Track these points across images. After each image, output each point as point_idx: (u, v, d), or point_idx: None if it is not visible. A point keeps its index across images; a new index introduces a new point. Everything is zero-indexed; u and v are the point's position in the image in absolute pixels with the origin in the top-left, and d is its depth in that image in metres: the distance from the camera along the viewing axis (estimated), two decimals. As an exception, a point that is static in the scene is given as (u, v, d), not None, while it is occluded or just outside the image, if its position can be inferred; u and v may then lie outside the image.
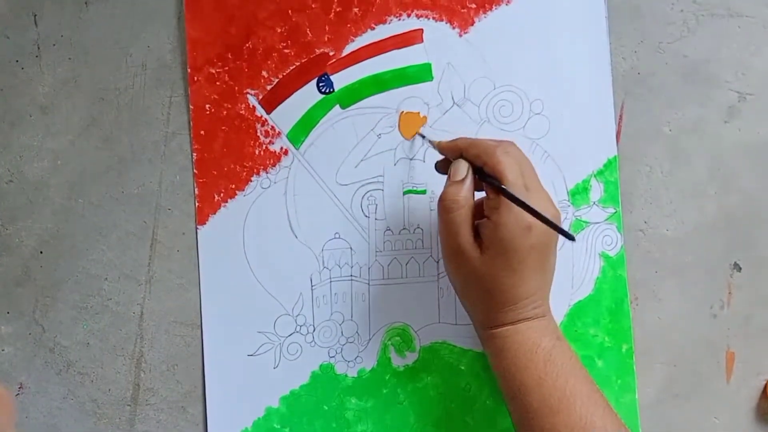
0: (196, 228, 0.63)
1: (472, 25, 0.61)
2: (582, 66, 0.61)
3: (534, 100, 0.61)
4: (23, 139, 0.64)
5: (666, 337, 0.61)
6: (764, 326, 0.61)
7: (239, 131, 0.62)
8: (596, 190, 0.61)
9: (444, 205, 0.54)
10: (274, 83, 0.62)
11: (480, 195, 0.55)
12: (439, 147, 0.57)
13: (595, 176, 0.61)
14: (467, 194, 0.54)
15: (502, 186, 0.51)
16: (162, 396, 0.63)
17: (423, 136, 0.61)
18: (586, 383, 0.52)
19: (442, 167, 0.58)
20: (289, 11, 0.62)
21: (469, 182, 0.54)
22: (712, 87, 0.61)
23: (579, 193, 0.61)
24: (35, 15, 0.64)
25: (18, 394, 0.64)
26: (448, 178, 0.55)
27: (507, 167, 0.52)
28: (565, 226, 0.61)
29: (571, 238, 0.49)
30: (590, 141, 0.61)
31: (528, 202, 0.50)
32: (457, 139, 0.56)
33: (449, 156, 0.56)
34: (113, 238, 0.64)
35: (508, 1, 0.61)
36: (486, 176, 0.53)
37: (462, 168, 0.54)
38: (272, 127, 0.62)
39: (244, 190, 0.62)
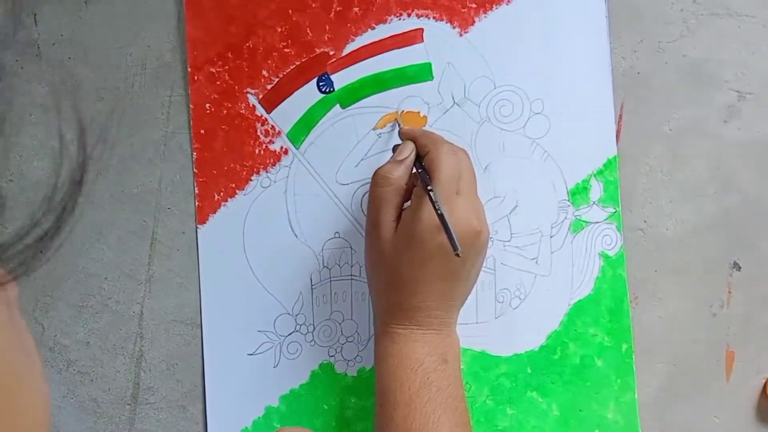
0: (196, 227, 0.63)
1: (473, 24, 0.61)
2: (582, 65, 0.61)
3: (534, 99, 0.61)
4: (23, 139, 0.64)
5: (666, 337, 0.61)
6: (764, 325, 0.61)
7: (239, 130, 0.62)
8: (596, 190, 0.61)
9: (375, 179, 0.54)
10: (275, 82, 0.62)
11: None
12: (400, 131, 0.59)
13: (594, 176, 0.61)
14: (401, 175, 0.54)
15: (427, 179, 0.52)
16: (162, 395, 0.63)
17: (399, 124, 0.61)
18: (454, 418, 0.51)
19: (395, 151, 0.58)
20: (290, 11, 0.62)
21: (406, 164, 0.54)
22: (711, 87, 0.61)
23: (579, 193, 0.61)
24: (35, 15, 0.64)
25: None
26: (391, 157, 0.56)
27: (444, 164, 0.52)
28: (565, 226, 0.61)
29: (455, 252, 0.48)
30: (590, 141, 0.61)
31: (447, 205, 0.50)
32: (416, 128, 0.58)
33: (404, 139, 0.57)
34: (113, 237, 0.64)
35: (508, 1, 0.61)
36: (421, 166, 0.53)
37: (406, 150, 0.55)
38: (272, 126, 0.62)
39: (244, 189, 0.62)
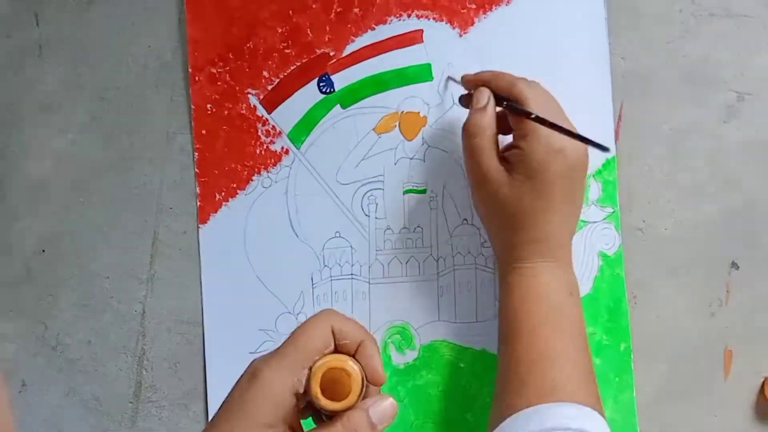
0: (198, 227, 0.63)
1: (472, 25, 0.62)
2: (581, 66, 0.61)
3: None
4: (25, 139, 0.64)
5: (664, 336, 0.61)
6: (762, 324, 0.61)
7: (240, 131, 0.62)
8: (594, 190, 0.61)
9: (468, 131, 0.54)
10: (275, 83, 0.62)
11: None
12: (464, 80, 0.58)
13: (593, 176, 0.61)
14: (490, 120, 0.54)
15: (529, 111, 0.52)
16: (164, 393, 0.64)
17: (451, 78, 0.61)
18: (577, 350, 0.51)
19: (466, 101, 0.58)
20: (290, 11, 0.62)
21: (491, 109, 0.54)
22: (711, 87, 0.61)
23: (578, 193, 0.61)
24: (36, 15, 0.64)
25: (20, 391, 0.64)
26: (471, 106, 0.55)
27: (531, 97, 0.52)
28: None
29: (605, 149, 0.49)
30: (589, 140, 0.61)
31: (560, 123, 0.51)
32: (481, 71, 0.57)
33: (472, 88, 0.57)
34: (115, 237, 0.64)
35: (508, 2, 0.61)
36: (512, 105, 0.53)
37: (484, 95, 0.55)
38: (273, 126, 0.62)
39: (245, 189, 0.62)
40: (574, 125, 0.54)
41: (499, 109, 0.55)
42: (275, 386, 0.43)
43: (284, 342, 0.45)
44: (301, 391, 0.43)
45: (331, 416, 0.43)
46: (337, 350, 0.45)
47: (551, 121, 0.51)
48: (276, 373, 0.43)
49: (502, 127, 0.55)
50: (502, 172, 0.53)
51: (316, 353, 0.44)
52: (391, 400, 0.44)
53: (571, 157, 0.52)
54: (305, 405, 0.45)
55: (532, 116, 0.52)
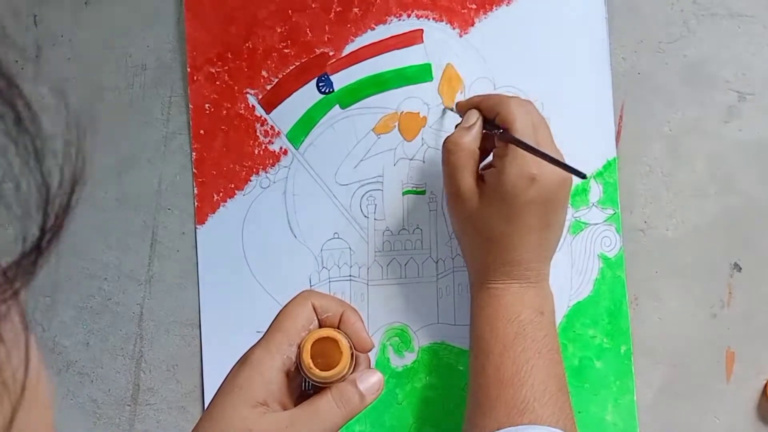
0: (195, 228, 0.63)
1: (472, 25, 0.61)
2: (582, 66, 0.61)
3: (533, 100, 0.61)
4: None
5: (666, 337, 0.61)
6: (764, 326, 0.60)
7: (239, 131, 0.62)
8: (595, 192, 0.61)
9: (447, 147, 0.54)
10: (274, 83, 0.62)
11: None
12: (457, 106, 0.58)
13: (594, 177, 0.61)
14: (471, 139, 0.54)
15: (511, 133, 0.51)
16: (162, 396, 0.63)
17: (450, 109, 0.61)
18: (547, 368, 0.51)
19: None
20: (289, 11, 0.62)
21: (475, 130, 0.54)
22: (712, 87, 0.61)
23: (578, 194, 0.61)
24: (35, 15, 0.64)
25: (18, 393, 0.64)
26: (458, 125, 0.55)
27: (519, 117, 0.52)
28: (564, 227, 0.61)
29: (582, 175, 0.48)
30: (589, 142, 0.61)
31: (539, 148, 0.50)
32: (474, 96, 0.57)
33: (464, 112, 0.56)
34: (113, 238, 0.64)
35: (508, 2, 0.61)
36: (494, 127, 0.53)
37: (472, 116, 0.54)
38: (272, 126, 0.62)
39: (243, 189, 0.62)
40: (562, 152, 0.53)
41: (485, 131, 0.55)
42: (265, 366, 0.44)
43: (269, 327, 0.46)
44: (292, 368, 0.45)
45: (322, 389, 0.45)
46: (321, 326, 0.46)
47: (528, 143, 0.50)
48: (265, 353, 0.45)
49: (490, 149, 0.55)
50: (475, 192, 0.53)
51: (302, 330, 0.45)
52: (379, 374, 0.46)
53: (546, 184, 0.51)
54: (298, 395, 0.46)
55: (506, 135, 0.51)
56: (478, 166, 0.54)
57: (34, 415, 0.26)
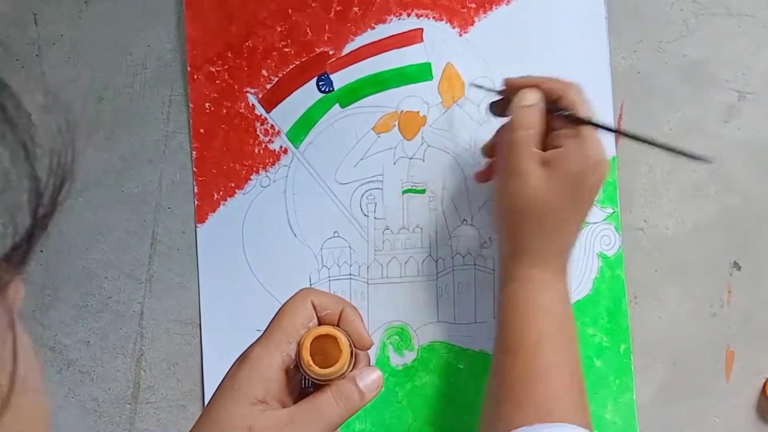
0: (196, 226, 0.63)
1: (472, 24, 0.61)
2: (582, 65, 0.61)
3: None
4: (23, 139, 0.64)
5: (666, 336, 0.61)
6: (764, 325, 0.61)
7: (239, 130, 0.62)
8: (595, 190, 0.61)
9: (514, 124, 0.52)
10: (274, 82, 0.62)
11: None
12: (508, 82, 0.55)
13: (594, 176, 0.61)
14: (538, 118, 0.52)
15: (592, 118, 0.51)
16: (162, 394, 0.63)
17: (476, 86, 0.60)
18: (575, 363, 0.51)
19: (498, 108, 0.56)
20: (289, 10, 0.62)
21: (539, 109, 0.53)
22: (711, 86, 0.61)
23: (578, 193, 0.61)
24: (35, 14, 0.64)
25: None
26: (512, 107, 0.53)
27: (586, 105, 0.52)
28: None
29: (706, 160, 0.49)
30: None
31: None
32: (525, 76, 0.55)
33: (513, 93, 0.54)
34: (113, 237, 0.64)
35: (507, 1, 0.61)
36: (557, 109, 0.52)
37: (533, 95, 0.53)
38: (272, 125, 0.62)
39: (243, 188, 0.62)
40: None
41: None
42: (264, 363, 0.44)
43: (268, 324, 0.46)
44: (292, 366, 0.44)
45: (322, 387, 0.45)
46: (320, 323, 0.46)
47: (614, 127, 0.51)
48: (264, 350, 0.45)
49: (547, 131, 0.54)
50: (538, 172, 0.52)
51: (302, 328, 0.45)
52: (378, 372, 0.46)
53: (605, 172, 0.52)
54: (297, 393, 0.46)
55: (583, 119, 0.51)
56: (539, 146, 0.53)
57: (28, 401, 0.27)
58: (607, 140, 0.60)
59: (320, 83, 0.62)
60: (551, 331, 0.51)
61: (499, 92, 0.56)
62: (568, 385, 0.50)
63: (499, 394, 0.52)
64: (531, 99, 0.53)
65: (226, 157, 0.62)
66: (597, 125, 0.51)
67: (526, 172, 0.52)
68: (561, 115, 0.52)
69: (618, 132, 0.50)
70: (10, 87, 0.24)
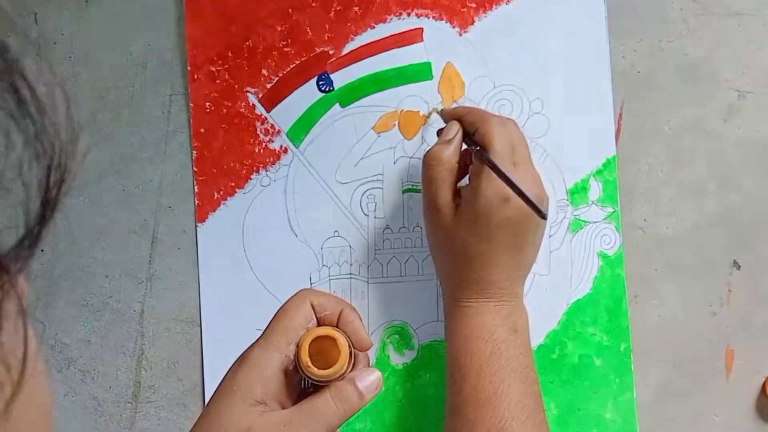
0: (196, 226, 0.63)
1: (472, 24, 0.61)
2: (582, 65, 0.61)
3: (533, 99, 0.61)
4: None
5: (666, 335, 0.61)
6: (764, 324, 0.61)
7: (239, 129, 0.62)
8: (595, 190, 0.61)
9: (426, 161, 0.54)
10: (274, 81, 0.62)
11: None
12: (443, 113, 0.58)
13: (594, 176, 0.61)
14: (451, 153, 0.54)
15: (486, 153, 0.51)
16: (163, 393, 0.64)
17: (437, 112, 0.60)
18: (524, 386, 0.51)
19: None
20: (290, 10, 0.62)
21: (455, 143, 0.54)
22: (711, 85, 0.61)
23: (578, 193, 0.61)
24: (35, 14, 0.64)
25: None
26: (439, 138, 0.55)
27: (497, 137, 0.52)
28: (564, 226, 0.61)
29: (542, 215, 0.49)
30: (589, 140, 0.61)
31: (510, 176, 0.50)
32: (459, 106, 0.57)
33: (448, 120, 0.57)
34: (114, 236, 0.64)
35: (508, 1, 0.61)
36: (473, 142, 0.53)
37: (452, 129, 0.55)
38: (272, 125, 0.62)
39: (243, 188, 0.62)
40: (539, 173, 0.53)
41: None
42: (263, 364, 0.44)
43: (267, 325, 0.46)
44: (291, 367, 0.44)
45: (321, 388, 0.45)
46: (319, 324, 0.46)
47: (503, 168, 0.50)
48: (263, 352, 0.45)
49: (470, 164, 0.55)
50: (452, 207, 0.53)
51: (300, 329, 0.45)
52: (377, 373, 0.46)
53: (520, 206, 0.51)
54: (297, 394, 0.46)
55: (482, 154, 0.51)
56: (457, 180, 0.54)
57: (33, 397, 0.27)
58: (608, 140, 0.61)
59: (320, 83, 0.62)
60: (494, 356, 0.51)
61: (441, 117, 0.59)
62: (518, 407, 0.50)
63: (450, 419, 0.53)
64: (450, 133, 0.55)
65: (227, 157, 0.62)
66: (491, 165, 0.51)
67: (441, 206, 0.53)
68: (467, 144, 0.54)
69: (507, 179, 0.49)
70: (24, 73, 0.24)
